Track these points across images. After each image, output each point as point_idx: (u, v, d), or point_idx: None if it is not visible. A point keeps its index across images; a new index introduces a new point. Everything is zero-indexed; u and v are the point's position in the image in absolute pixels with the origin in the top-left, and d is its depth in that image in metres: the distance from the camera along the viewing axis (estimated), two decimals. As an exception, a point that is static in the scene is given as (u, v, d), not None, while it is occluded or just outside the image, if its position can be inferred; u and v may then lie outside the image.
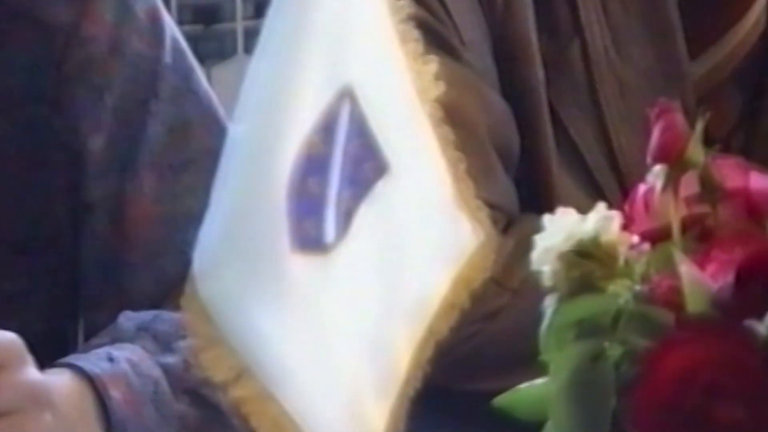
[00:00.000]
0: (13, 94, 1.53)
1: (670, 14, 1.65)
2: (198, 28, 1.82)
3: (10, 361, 1.36)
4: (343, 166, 1.08)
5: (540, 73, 1.64)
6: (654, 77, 1.63)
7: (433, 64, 1.12)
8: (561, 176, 1.62)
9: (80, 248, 1.56)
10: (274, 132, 1.07)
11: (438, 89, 1.13)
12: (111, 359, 1.44)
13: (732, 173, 1.24)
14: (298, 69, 1.07)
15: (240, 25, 1.87)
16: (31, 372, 1.38)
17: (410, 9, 1.10)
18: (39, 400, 1.37)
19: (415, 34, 1.11)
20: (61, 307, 1.47)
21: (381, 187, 1.10)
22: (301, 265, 1.07)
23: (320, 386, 1.09)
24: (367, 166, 1.10)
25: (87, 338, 1.54)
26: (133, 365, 1.44)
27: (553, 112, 1.64)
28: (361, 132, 1.09)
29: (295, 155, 1.06)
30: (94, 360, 1.45)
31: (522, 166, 1.62)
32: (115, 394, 1.42)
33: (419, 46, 1.12)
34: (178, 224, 1.40)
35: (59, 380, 1.41)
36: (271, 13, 1.07)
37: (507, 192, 1.57)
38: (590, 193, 1.51)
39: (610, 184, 1.54)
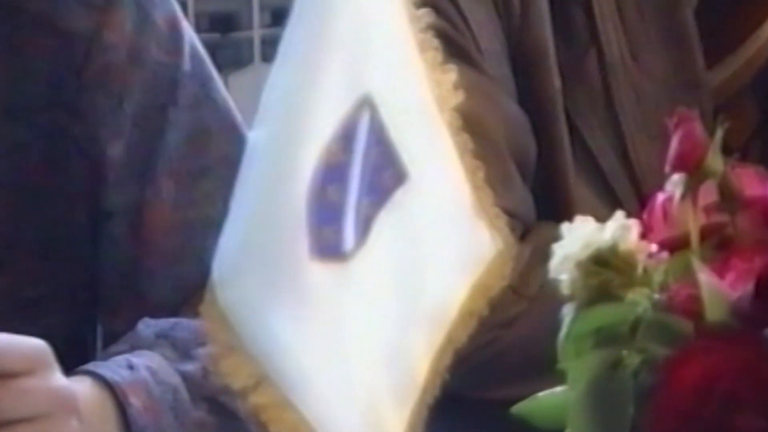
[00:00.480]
0: (33, 100, 1.53)
1: (687, 22, 1.64)
2: (215, 36, 1.82)
3: (38, 367, 1.35)
4: (362, 175, 1.08)
5: (557, 82, 1.63)
6: (671, 86, 1.62)
7: (452, 73, 1.12)
8: (578, 185, 1.61)
9: (99, 255, 1.56)
10: (294, 140, 1.06)
11: (457, 98, 1.13)
12: (131, 367, 1.44)
13: (751, 182, 1.24)
14: (317, 77, 1.07)
15: (257, 34, 1.87)
16: (59, 378, 1.38)
17: (429, 18, 1.10)
18: (66, 405, 1.37)
19: (435, 43, 1.11)
20: (81, 314, 1.47)
21: (400, 195, 1.10)
22: (320, 273, 1.07)
23: (339, 394, 1.09)
24: (386, 174, 1.09)
25: (105, 345, 1.54)
26: (153, 373, 1.45)
27: (570, 121, 1.63)
28: (380, 140, 1.09)
29: (315, 163, 1.05)
30: (114, 367, 1.45)
31: (539, 174, 1.62)
32: (135, 401, 1.42)
33: (438, 55, 1.12)
34: (196, 231, 1.41)
35: (81, 387, 1.41)
36: (292, 22, 1.07)
37: (524, 200, 1.57)
38: (607, 201, 1.51)
39: (626, 192, 1.54)
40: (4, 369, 1.34)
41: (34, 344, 1.36)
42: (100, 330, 1.59)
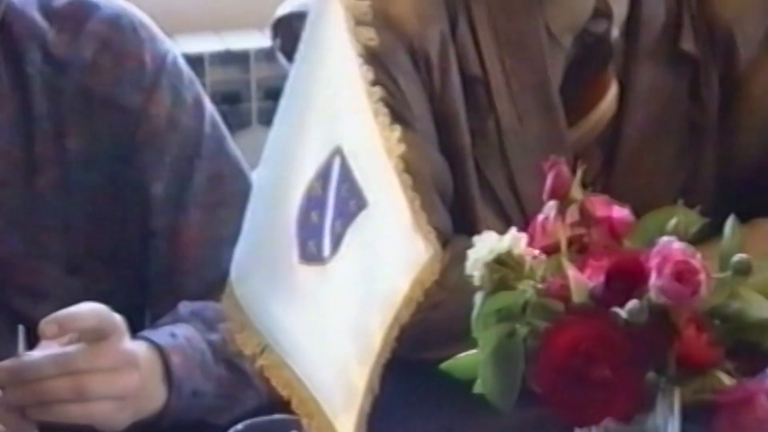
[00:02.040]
0: (102, 156, 1.53)
1: (555, 97, 1.64)
2: (225, 107, 1.84)
3: (113, 332, 1.35)
4: (335, 203, 1.07)
5: (467, 138, 1.62)
6: (544, 141, 1.62)
7: (396, 132, 1.11)
8: (483, 209, 1.61)
9: (147, 262, 1.55)
10: (287, 178, 1.06)
11: (399, 149, 1.12)
12: (173, 335, 1.44)
13: (600, 207, 1.25)
14: (303, 134, 1.06)
15: (254, 105, 1.88)
16: (127, 341, 1.37)
17: (379, 93, 1.10)
18: (130, 361, 1.36)
19: (383, 110, 1.11)
20: (134, 303, 1.46)
21: (362, 218, 1.09)
22: (305, 273, 1.06)
23: (319, 357, 1.08)
24: (352, 203, 1.09)
25: (151, 322, 1.53)
26: (188, 339, 1.44)
27: (477, 165, 1.63)
28: (347, 179, 1.08)
29: (301, 195, 1.05)
30: (161, 335, 1.44)
31: (455, 201, 1.62)
32: (175, 359, 1.41)
33: (386, 119, 1.11)
34: (216, 245, 1.39)
35: (139, 348, 1.40)
36: (285, 92, 1.06)
37: (445, 220, 1.57)
38: (503, 221, 1.51)
39: (516, 215, 1.54)
40: (88, 332, 1.33)
41: (113, 315, 1.36)
42: (148, 314, 1.57)
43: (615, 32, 1.65)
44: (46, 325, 1.31)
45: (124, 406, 1.34)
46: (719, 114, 1.69)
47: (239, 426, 1.19)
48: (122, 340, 1.36)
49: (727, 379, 1.18)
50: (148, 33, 1.56)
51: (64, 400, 1.31)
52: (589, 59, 1.65)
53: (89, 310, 1.34)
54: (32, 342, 1.35)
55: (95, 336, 1.33)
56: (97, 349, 1.33)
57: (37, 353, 1.31)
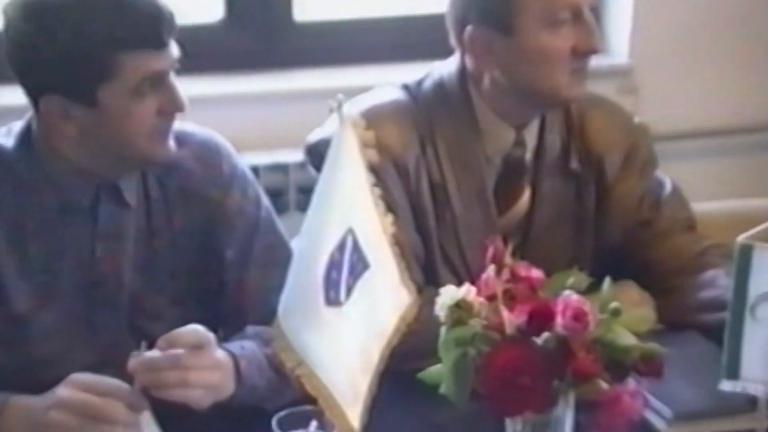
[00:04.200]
0: (195, 230, 1.46)
1: (489, 197, 1.59)
2: (273, 198, 1.81)
3: (207, 344, 1.29)
4: (348, 265, 1.02)
5: (432, 223, 1.57)
6: (483, 225, 1.57)
7: (389, 217, 1.07)
8: (443, 270, 1.56)
9: (221, 301, 1.49)
10: (316, 248, 1.01)
11: (391, 229, 1.08)
12: (242, 347, 1.37)
13: (522, 269, 1.20)
14: (326, 217, 1.02)
15: (292, 197, 1.85)
16: (216, 350, 1.31)
17: (377, 192, 1.06)
18: (217, 365, 1.30)
19: (380, 203, 1.07)
20: (212, 325, 1.37)
21: (366, 276, 1.05)
22: (328, 312, 1.02)
23: (336, 369, 1.03)
24: (359, 265, 1.04)
25: (224, 339, 1.46)
26: (251, 350, 1.37)
27: (439, 241, 1.58)
28: (356, 249, 1.03)
29: (326, 260, 1.01)
30: (234, 346, 1.37)
31: (425, 265, 1.57)
32: (243, 363, 1.34)
33: (382, 209, 1.07)
34: (268, 292, 1.31)
35: (221, 354, 1.33)
36: (315, 190, 1.02)
37: (419, 277, 1.52)
38: (456, 278, 1.45)
39: (464, 274, 1.47)
40: (190, 344, 1.27)
41: (207, 332, 1.30)
42: (221, 334, 1.50)
43: (528, 156, 1.61)
44: (161, 341, 1.26)
45: (210, 394, 1.28)
46: (595, 211, 1.64)
47: (282, 413, 1.14)
48: (213, 349, 1.30)
49: (604, 385, 1.14)
50: (225, 150, 1.50)
51: (171, 386, 1.25)
52: (511, 173, 1.60)
53: (191, 330, 1.29)
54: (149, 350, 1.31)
55: (195, 346, 1.27)
56: (196, 354, 1.27)
57: (156, 353, 1.26)
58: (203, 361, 1.27)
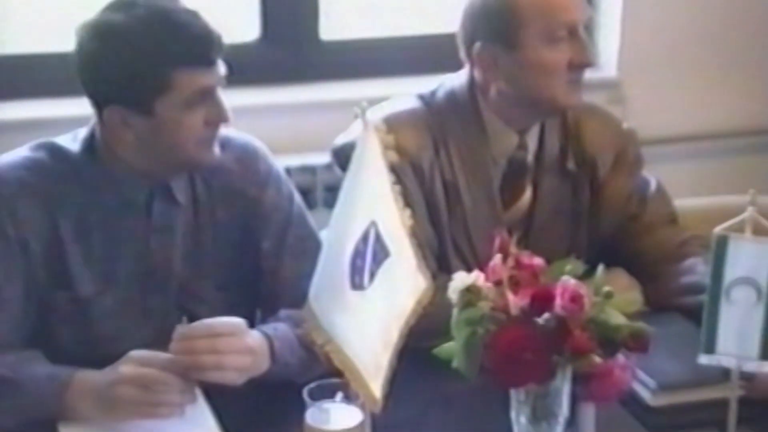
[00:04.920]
0: (235, 223, 1.45)
1: (495, 194, 1.57)
2: (303, 196, 1.79)
3: (240, 332, 1.28)
4: (371, 254, 1.02)
5: (445, 217, 1.56)
6: (490, 219, 1.55)
7: (407, 212, 1.07)
8: (454, 259, 1.54)
9: (258, 286, 1.47)
10: (343, 239, 1.01)
11: (409, 222, 1.08)
12: (275, 329, 1.36)
13: (526, 258, 1.18)
14: (352, 211, 1.02)
15: (319, 195, 1.83)
16: (248, 337, 1.30)
17: (397, 189, 1.06)
18: (249, 350, 1.29)
19: (400, 199, 1.06)
20: (250, 308, 1.37)
21: (387, 263, 1.04)
22: (353, 296, 1.01)
23: (360, 346, 1.03)
24: (381, 254, 1.04)
25: (261, 321, 1.45)
26: (284, 331, 1.36)
27: (451, 233, 1.56)
28: (378, 239, 1.03)
29: (352, 249, 1.00)
30: (268, 328, 1.36)
31: (438, 254, 1.55)
32: (276, 343, 1.34)
33: (401, 204, 1.06)
34: (300, 278, 1.26)
35: (256, 336, 1.32)
36: (342, 188, 1.02)
37: (433, 265, 1.49)
38: (465, 266, 1.41)
39: (473, 263, 1.44)
40: (225, 331, 1.27)
41: (240, 321, 1.29)
42: (258, 316, 1.50)
43: (530, 158, 1.60)
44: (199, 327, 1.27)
45: (242, 375, 1.27)
46: (589, 207, 1.62)
47: (312, 384, 1.12)
48: (245, 336, 1.29)
49: (597, 360, 1.12)
50: (262, 153, 1.50)
51: (208, 368, 1.25)
52: (514, 172, 1.59)
53: (225, 320, 1.29)
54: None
55: (230, 334, 1.27)
56: (230, 339, 1.27)
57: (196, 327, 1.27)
58: (236, 346, 1.26)
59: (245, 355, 1.27)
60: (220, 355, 1.25)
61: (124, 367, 1.25)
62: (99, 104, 1.34)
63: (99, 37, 1.30)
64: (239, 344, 1.27)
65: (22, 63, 2.04)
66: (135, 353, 1.27)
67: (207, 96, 1.32)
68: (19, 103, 1.99)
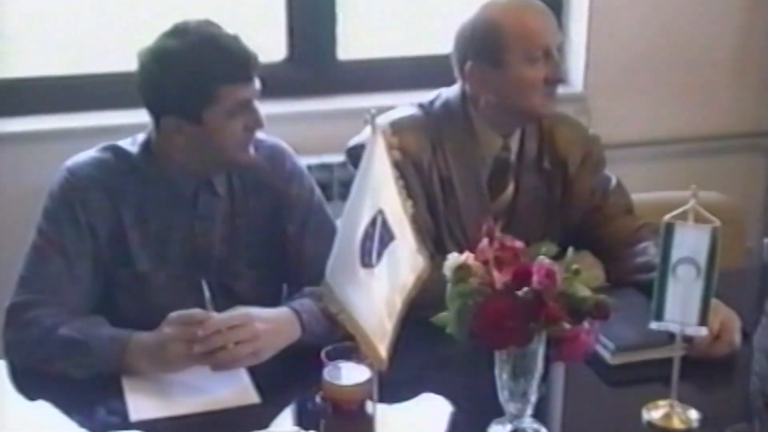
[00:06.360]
0: (265, 211, 1.43)
1: (483, 188, 1.54)
2: (322, 190, 1.75)
3: (247, 322, 1.25)
4: (378, 237, 1.00)
5: (441, 206, 1.53)
6: (479, 209, 1.52)
7: (409, 201, 1.05)
8: (448, 242, 1.51)
9: (285, 265, 1.45)
10: (354, 223, 0.98)
11: (410, 210, 1.05)
12: (302, 304, 1.34)
13: (508, 241, 1.14)
14: (362, 202, 0.99)
15: (336, 189, 1.79)
16: (255, 325, 1.26)
17: (401, 183, 1.03)
18: (256, 335, 1.25)
19: (403, 191, 1.04)
20: (277, 284, 1.35)
21: (392, 246, 1.02)
22: (363, 273, 0.99)
23: (370, 314, 1.01)
24: (386, 237, 1.01)
25: (288, 296, 1.43)
26: (309, 306, 1.34)
27: (446, 220, 1.54)
28: (384, 225, 1.01)
29: (362, 233, 0.98)
30: (295, 303, 1.34)
31: (435, 238, 1.52)
32: (305, 316, 1.31)
33: (404, 195, 1.04)
34: (320, 258, 1.22)
35: (285, 310, 1.30)
36: (354, 182, 0.99)
37: (431, 246, 1.47)
38: (458, 248, 1.35)
39: (465, 246, 1.37)
40: (235, 323, 1.25)
41: (246, 314, 1.26)
42: (285, 291, 1.47)
43: (512, 157, 1.57)
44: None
45: (258, 356, 1.24)
46: (561, 199, 1.60)
47: (329, 347, 1.10)
48: (251, 325, 1.25)
49: (567, 326, 1.09)
50: (288, 153, 1.48)
51: (222, 365, 1.24)
52: (499, 170, 1.56)
53: (234, 314, 1.26)
54: (217, 302, 1.29)
55: (238, 325, 1.25)
56: (239, 330, 1.24)
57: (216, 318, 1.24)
58: (244, 335, 1.24)
59: (254, 341, 1.24)
60: (232, 350, 1.22)
61: (167, 328, 1.25)
62: (156, 114, 1.35)
63: (157, 60, 1.31)
64: (247, 332, 1.24)
65: (94, 81, 2.06)
66: (173, 315, 1.25)
67: (246, 106, 1.32)
68: (89, 114, 2.03)
